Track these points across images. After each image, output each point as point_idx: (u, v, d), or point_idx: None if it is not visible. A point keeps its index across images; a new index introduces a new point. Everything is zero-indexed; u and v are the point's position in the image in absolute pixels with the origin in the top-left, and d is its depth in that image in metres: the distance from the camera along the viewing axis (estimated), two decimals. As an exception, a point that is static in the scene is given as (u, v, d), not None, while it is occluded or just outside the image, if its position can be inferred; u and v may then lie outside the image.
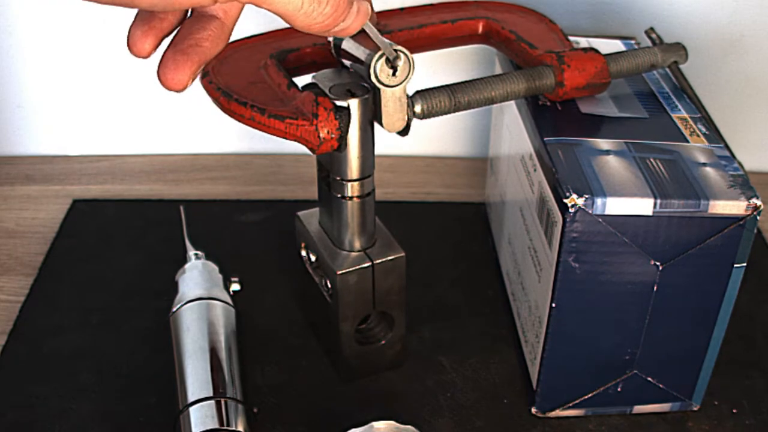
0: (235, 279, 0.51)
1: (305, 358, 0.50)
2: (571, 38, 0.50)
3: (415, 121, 0.41)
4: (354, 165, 0.41)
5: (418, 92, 0.41)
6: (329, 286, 0.45)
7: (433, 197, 0.66)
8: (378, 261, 0.44)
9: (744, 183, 0.40)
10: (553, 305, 0.42)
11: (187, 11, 0.34)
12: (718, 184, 0.40)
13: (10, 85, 0.68)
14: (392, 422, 0.40)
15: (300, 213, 0.48)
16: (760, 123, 0.70)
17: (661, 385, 0.45)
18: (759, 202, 0.39)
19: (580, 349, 0.44)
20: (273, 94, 0.41)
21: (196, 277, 0.50)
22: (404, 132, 0.41)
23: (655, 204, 0.38)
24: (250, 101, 0.39)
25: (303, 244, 0.48)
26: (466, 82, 0.43)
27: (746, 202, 0.39)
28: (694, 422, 0.46)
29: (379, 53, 0.37)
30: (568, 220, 0.39)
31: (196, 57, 0.33)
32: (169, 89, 0.33)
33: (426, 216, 0.63)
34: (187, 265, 0.51)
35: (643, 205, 0.38)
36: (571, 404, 0.46)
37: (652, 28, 0.52)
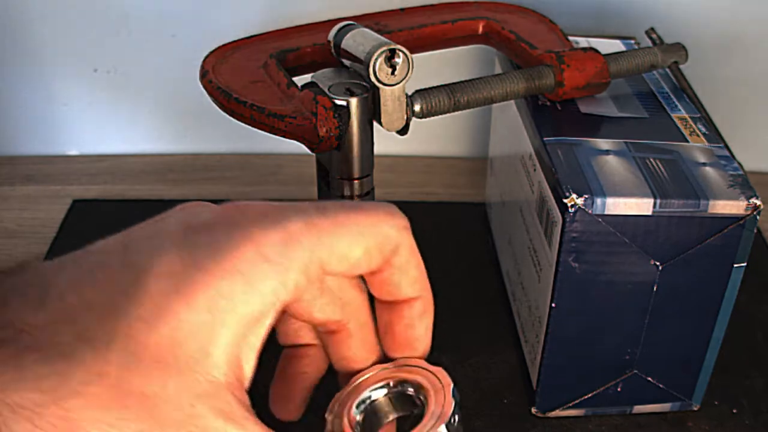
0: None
1: (305, 358, 0.50)
2: (571, 38, 0.50)
3: (414, 121, 0.41)
4: (353, 164, 0.41)
5: (417, 91, 0.41)
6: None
7: (433, 197, 0.66)
8: (378, 261, 0.44)
9: (744, 183, 0.40)
10: (553, 305, 0.42)
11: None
12: (718, 184, 0.40)
13: (10, 85, 0.68)
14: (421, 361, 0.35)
15: (300, 213, 0.48)
16: (760, 123, 0.70)
17: (661, 385, 0.45)
18: (759, 202, 0.39)
19: (580, 348, 0.43)
20: (273, 93, 0.41)
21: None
22: (403, 131, 0.41)
23: (654, 204, 0.38)
24: (250, 100, 0.39)
25: (303, 244, 0.48)
26: (465, 81, 0.43)
27: (746, 202, 0.39)
28: (694, 422, 0.46)
29: (378, 52, 0.37)
30: (567, 220, 0.39)
31: (301, 385, 0.34)
32: (283, 420, 0.33)
33: (426, 216, 0.63)
34: (186, 265, 0.51)
35: (642, 205, 0.38)
36: (571, 404, 0.46)
37: (652, 28, 0.52)
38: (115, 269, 0.25)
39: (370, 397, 0.32)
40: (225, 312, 0.25)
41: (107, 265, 0.25)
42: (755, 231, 0.39)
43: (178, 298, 0.24)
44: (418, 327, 0.34)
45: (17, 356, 0.23)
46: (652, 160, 0.41)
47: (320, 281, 0.30)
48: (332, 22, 0.42)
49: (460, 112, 0.43)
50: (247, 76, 0.42)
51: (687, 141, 0.43)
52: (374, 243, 0.29)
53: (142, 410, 0.23)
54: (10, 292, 0.24)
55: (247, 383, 0.26)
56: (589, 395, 0.45)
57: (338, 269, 0.28)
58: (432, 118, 0.42)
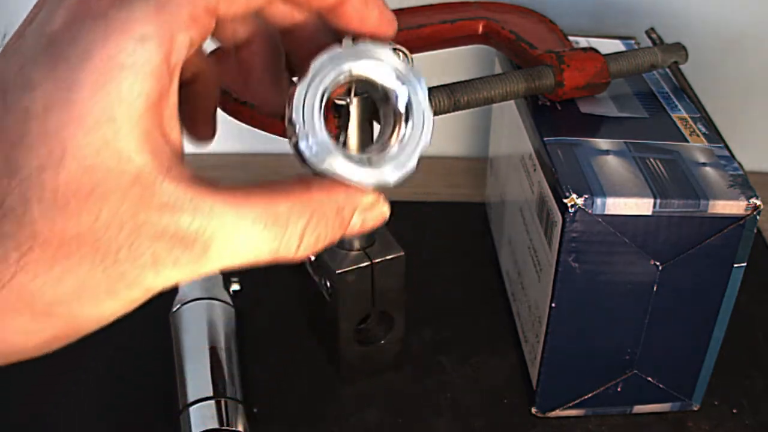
0: (235, 279, 0.51)
1: (305, 358, 0.50)
2: (571, 38, 0.50)
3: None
4: (354, 164, 0.41)
5: (417, 92, 0.41)
6: (329, 285, 0.45)
7: (433, 197, 0.66)
8: (377, 260, 0.44)
9: (744, 183, 0.40)
10: (553, 305, 0.42)
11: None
12: (718, 184, 0.40)
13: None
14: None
15: (300, 213, 0.48)
16: (760, 123, 0.70)
17: (661, 385, 0.45)
18: (759, 202, 0.39)
19: (580, 349, 0.43)
20: (272, 93, 0.41)
21: (196, 277, 0.50)
22: (404, 131, 0.41)
23: (654, 204, 0.38)
24: (250, 100, 0.39)
25: (303, 244, 0.48)
26: (465, 81, 0.43)
27: (746, 202, 0.39)
28: (694, 422, 0.46)
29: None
30: (567, 220, 0.39)
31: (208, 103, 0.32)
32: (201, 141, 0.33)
33: (426, 216, 0.63)
34: (187, 265, 0.51)
35: (642, 205, 0.38)
36: (571, 404, 0.46)
37: (652, 28, 0.52)
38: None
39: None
40: (123, 110, 0.24)
41: None
42: (755, 231, 0.39)
43: (71, 124, 0.23)
44: (370, 15, 0.30)
45: None
46: (652, 160, 0.41)
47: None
48: (332, 22, 0.42)
49: (460, 112, 0.43)
50: (247, 76, 0.42)
51: (687, 141, 0.43)
52: None
53: (86, 250, 0.24)
54: None
55: (181, 152, 0.26)
56: (589, 395, 0.45)
57: None
58: (432, 118, 0.42)
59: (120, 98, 0.23)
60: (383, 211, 0.30)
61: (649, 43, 0.51)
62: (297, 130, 0.28)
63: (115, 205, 0.24)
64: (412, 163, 0.29)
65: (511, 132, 0.51)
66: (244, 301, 0.51)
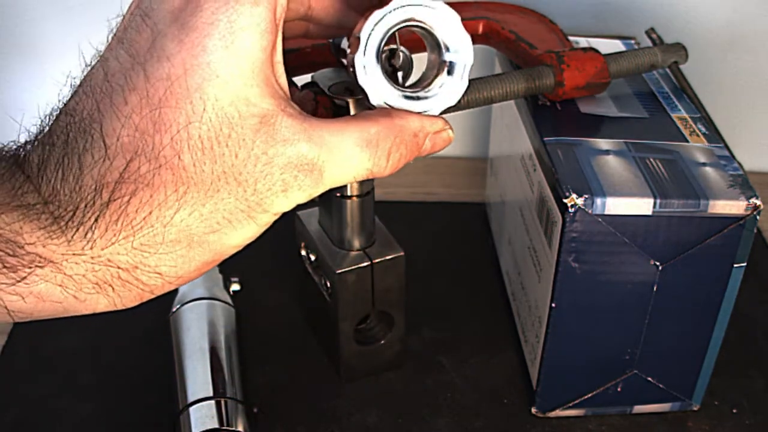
0: (235, 279, 0.51)
1: (305, 358, 0.50)
2: (571, 38, 0.50)
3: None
4: (354, 165, 0.41)
5: (417, 92, 0.41)
6: (329, 285, 0.45)
7: (433, 197, 0.66)
8: (377, 260, 0.44)
9: (744, 183, 0.40)
10: (553, 305, 0.42)
11: None
12: (718, 184, 0.40)
13: (10, 86, 0.68)
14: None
15: (300, 212, 0.48)
16: (760, 123, 0.70)
17: (661, 385, 0.45)
18: (759, 202, 0.39)
19: (580, 349, 0.43)
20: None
21: (196, 277, 0.50)
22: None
23: (654, 204, 0.38)
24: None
25: (303, 244, 0.48)
26: (465, 81, 0.42)
27: (746, 202, 0.39)
28: (694, 422, 0.46)
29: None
30: (567, 220, 0.39)
31: None
32: None
33: (426, 216, 0.63)
34: (187, 265, 0.51)
35: (642, 205, 0.38)
36: (571, 404, 0.46)
37: (652, 28, 0.52)
38: (141, 86, 0.28)
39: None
40: (247, 64, 0.28)
41: (132, 87, 0.28)
42: (755, 231, 0.39)
43: (208, 82, 0.28)
44: None
45: (128, 206, 0.28)
46: (652, 160, 0.41)
47: None
48: (332, 23, 0.42)
49: (460, 112, 0.43)
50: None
51: (687, 141, 0.43)
52: None
53: (232, 185, 0.28)
54: (81, 155, 0.28)
55: (288, 92, 0.31)
56: (589, 395, 0.45)
57: None
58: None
59: (243, 55, 0.28)
60: (450, 135, 0.34)
61: (649, 43, 0.51)
62: (358, 76, 0.32)
63: (250, 144, 0.28)
64: (453, 101, 0.34)
65: (511, 132, 0.51)
66: (244, 301, 0.51)
